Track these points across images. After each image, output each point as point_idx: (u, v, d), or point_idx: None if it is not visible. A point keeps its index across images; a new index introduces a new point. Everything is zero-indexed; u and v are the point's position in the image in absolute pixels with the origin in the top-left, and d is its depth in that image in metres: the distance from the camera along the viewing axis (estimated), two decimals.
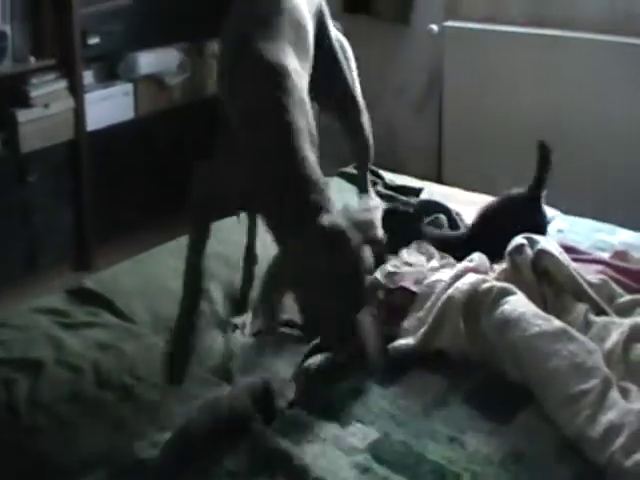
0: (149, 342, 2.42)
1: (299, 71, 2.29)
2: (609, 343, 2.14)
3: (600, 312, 2.26)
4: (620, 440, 1.86)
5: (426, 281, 2.35)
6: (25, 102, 3.90)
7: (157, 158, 4.53)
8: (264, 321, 2.31)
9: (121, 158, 4.37)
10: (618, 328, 2.17)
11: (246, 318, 2.49)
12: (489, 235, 2.61)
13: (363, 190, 2.97)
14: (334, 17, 2.78)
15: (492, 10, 4.27)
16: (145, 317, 2.53)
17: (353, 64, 2.84)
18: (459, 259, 2.50)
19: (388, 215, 2.71)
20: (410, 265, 2.49)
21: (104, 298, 2.61)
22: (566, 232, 2.89)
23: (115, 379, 2.27)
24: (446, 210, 3.03)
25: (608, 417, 1.91)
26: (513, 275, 2.33)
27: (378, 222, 2.32)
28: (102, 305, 2.59)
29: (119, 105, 4.32)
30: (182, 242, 2.42)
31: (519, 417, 2.03)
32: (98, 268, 3.80)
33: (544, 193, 2.64)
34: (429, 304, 2.27)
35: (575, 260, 2.43)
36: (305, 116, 2.18)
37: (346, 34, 2.85)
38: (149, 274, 2.71)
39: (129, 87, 4.37)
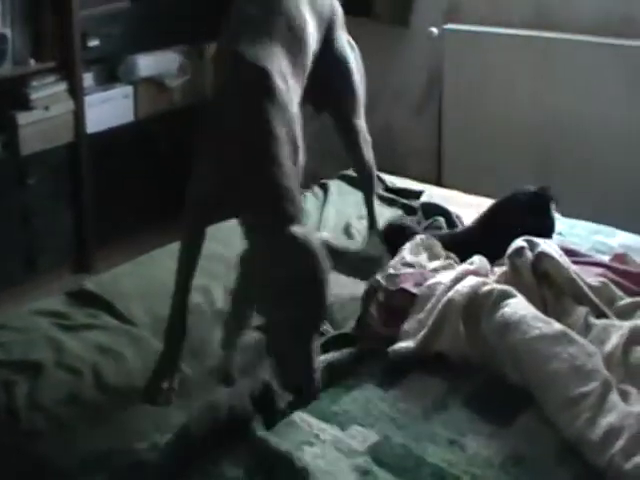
0: (149, 344, 2.42)
1: (286, 73, 2.27)
2: (609, 346, 2.13)
3: (600, 315, 2.26)
4: (620, 443, 1.86)
5: (426, 283, 2.35)
6: (25, 104, 3.90)
7: (157, 160, 4.53)
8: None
9: (121, 160, 4.37)
10: (618, 331, 2.17)
11: None
12: (493, 233, 2.61)
13: (371, 222, 2.92)
14: None
15: (491, 13, 4.27)
16: (145, 319, 2.53)
17: (361, 75, 2.82)
18: (464, 254, 2.51)
19: (394, 230, 2.72)
20: (410, 265, 2.49)
21: (104, 300, 2.61)
22: (565, 234, 2.89)
23: (114, 382, 2.27)
24: (446, 213, 3.04)
25: (608, 420, 1.91)
26: (513, 278, 2.33)
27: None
28: (102, 307, 2.59)
29: (119, 107, 4.32)
30: None
31: (519, 420, 2.02)
32: (98, 270, 3.81)
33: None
34: (429, 306, 2.27)
35: (575, 263, 2.42)
36: (285, 120, 2.17)
37: None
38: (149, 276, 2.71)
39: (129, 89, 4.37)
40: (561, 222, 3.03)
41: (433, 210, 3.11)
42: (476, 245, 2.56)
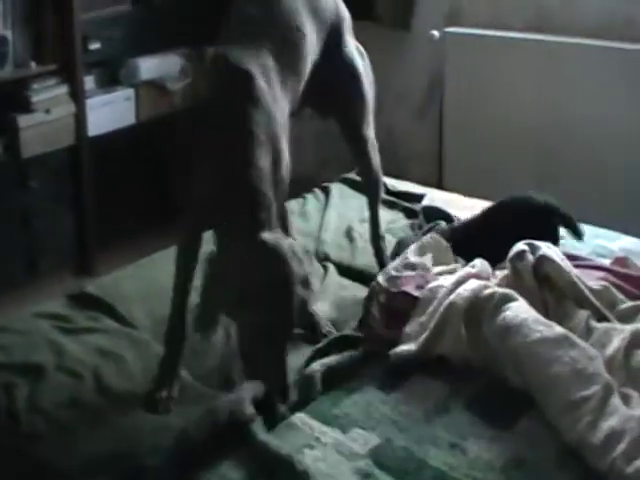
0: (150, 348, 2.42)
1: (273, 77, 2.27)
2: (610, 349, 2.13)
3: (601, 318, 2.26)
4: (621, 446, 1.86)
5: (428, 286, 2.35)
6: (26, 107, 3.91)
7: (158, 163, 4.53)
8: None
9: (122, 163, 4.37)
10: (619, 334, 2.16)
11: None
12: (492, 234, 2.61)
13: (375, 229, 2.91)
14: None
15: (493, 16, 4.27)
16: (146, 322, 2.53)
17: (371, 80, 2.80)
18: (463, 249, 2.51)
19: (402, 246, 2.72)
20: (413, 266, 2.49)
21: (105, 303, 2.61)
22: (566, 238, 2.89)
23: (115, 385, 2.27)
24: (447, 216, 3.04)
25: (609, 423, 1.91)
26: (514, 281, 2.33)
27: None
28: (103, 310, 2.59)
29: (120, 110, 4.32)
30: None
31: (520, 423, 2.02)
32: (99, 273, 3.80)
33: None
34: (431, 309, 2.27)
35: (576, 266, 2.42)
36: (266, 123, 2.17)
37: None
38: (151, 279, 2.71)
39: (130, 92, 4.37)
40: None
41: (434, 213, 3.11)
42: (475, 240, 2.56)
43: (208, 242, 2.24)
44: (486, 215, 2.75)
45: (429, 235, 2.65)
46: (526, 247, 2.37)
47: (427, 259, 2.54)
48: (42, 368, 2.31)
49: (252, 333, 2.02)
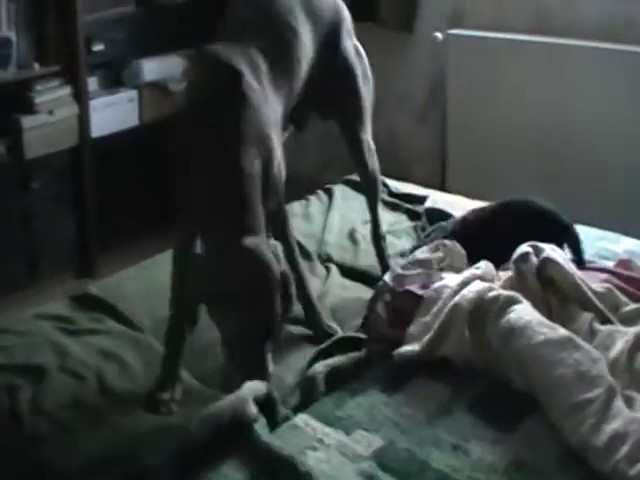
0: (152, 349, 2.42)
1: (263, 77, 2.27)
2: (614, 352, 2.13)
3: (605, 321, 2.26)
4: (624, 449, 1.86)
5: (433, 286, 2.35)
6: (29, 108, 3.91)
7: (161, 165, 4.52)
8: None
9: (125, 165, 4.37)
10: (623, 337, 2.16)
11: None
12: (492, 234, 2.61)
13: (375, 230, 2.90)
14: None
15: (495, 18, 4.27)
16: (148, 323, 2.53)
17: (370, 81, 2.80)
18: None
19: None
20: (419, 263, 2.49)
21: (108, 304, 2.61)
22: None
23: (118, 386, 2.27)
24: (451, 219, 3.03)
25: (612, 426, 1.91)
26: (518, 283, 2.32)
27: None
28: (106, 312, 2.59)
29: (123, 112, 4.33)
30: None
31: (523, 425, 2.02)
32: (101, 275, 3.81)
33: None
34: (435, 309, 2.27)
35: (580, 268, 2.42)
36: (255, 123, 2.17)
37: None
38: (153, 280, 2.71)
39: (133, 94, 4.38)
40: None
41: (437, 215, 3.10)
42: (476, 241, 2.56)
43: None
44: (486, 217, 2.75)
45: (446, 241, 2.64)
46: (530, 249, 2.36)
47: (435, 256, 2.54)
48: (44, 369, 2.31)
49: (233, 333, 2.05)
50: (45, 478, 2.01)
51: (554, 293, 2.33)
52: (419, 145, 4.65)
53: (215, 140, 2.15)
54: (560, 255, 2.37)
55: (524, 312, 2.16)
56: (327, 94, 2.66)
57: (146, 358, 2.39)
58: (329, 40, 2.60)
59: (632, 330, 2.18)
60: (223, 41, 2.32)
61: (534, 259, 2.34)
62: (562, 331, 2.11)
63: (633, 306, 2.32)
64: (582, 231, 2.99)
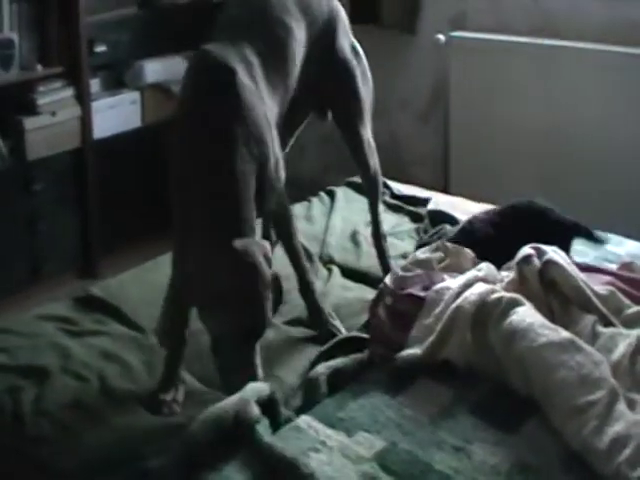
0: (155, 351, 2.42)
1: (257, 75, 2.28)
2: (616, 354, 2.13)
3: (608, 323, 2.26)
4: (627, 452, 1.86)
5: (434, 287, 2.35)
6: (32, 110, 3.92)
7: (163, 167, 4.52)
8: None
9: (127, 166, 4.37)
10: (625, 339, 2.16)
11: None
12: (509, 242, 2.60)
13: (376, 229, 2.90)
14: None
15: (497, 20, 4.27)
16: (151, 325, 2.53)
17: (368, 79, 2.80)
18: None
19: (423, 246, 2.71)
20: (419, 264, 2.48)
21: (111, 306, 2.62)
22: (572, 243, 2.88)
23: (120, 388, 2.27)
24: (453, 220, 3.03)
25: (615, 429, 1.90)
26: (520, 285, 2.32)
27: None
28: (109, 313, 2.59)
29: (126, 113, 4.33)
30: None
31: (525, 428, 2.02)
32: (103, 276, 3.81)
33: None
34: (437, 311, 2.26)
35: (583, 270, 2.42)
36: (248, 121, 2.17)
37: None
38: (155, 282, 2.71)
39: (136, 95, 4.39)
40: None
41: (440, 218, 3.11)
42: (483, 244, 2.56)
43: None
44: (492, 220, 2.74)
45: (448, 243, 2.64)
46: (532, 251, 2.36)
47: (434, 257, 2.53)
48: (47, 370, 2.31)
49: (222, 335, 2.06)
50: (47, 479, 2.01)
51: (556, 295, 2.32)
52: (421, 147, 4.65)
53: (207, 139, 2.15)
54: (562, 257, 2.37)
55: (526, 314, 2.16)
56: (324, 92, 2.66)
57: (148, 359, 2.39)
58: (325, 39, 2.61)
59: (634, 333, 2.18)
60: (217, 40, 2.32)
61: (536, 261, 2.34)
62: (564, 333, 2.11)
63: (635, 309, 2.32)
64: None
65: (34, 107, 3.92)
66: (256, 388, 2.06)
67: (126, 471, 1.93)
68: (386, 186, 3.41)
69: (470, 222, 2.77)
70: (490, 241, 2.63)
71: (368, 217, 2.99)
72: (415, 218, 3.25)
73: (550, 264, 2.32)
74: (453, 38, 4.30)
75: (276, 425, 2.03)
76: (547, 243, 2.42)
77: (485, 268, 2.40)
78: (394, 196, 3.43)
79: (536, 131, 4.11)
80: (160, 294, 2.48)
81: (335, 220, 3.24)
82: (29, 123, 3.89)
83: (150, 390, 2.26)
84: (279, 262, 2.72)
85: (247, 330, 2.06)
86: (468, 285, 2.29)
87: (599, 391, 1.98)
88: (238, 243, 2.06)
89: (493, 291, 2.24)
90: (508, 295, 2.22)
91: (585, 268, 2.49)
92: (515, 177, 4.09)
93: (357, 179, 3.37)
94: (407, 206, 3.34)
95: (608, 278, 2.45)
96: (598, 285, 2.37)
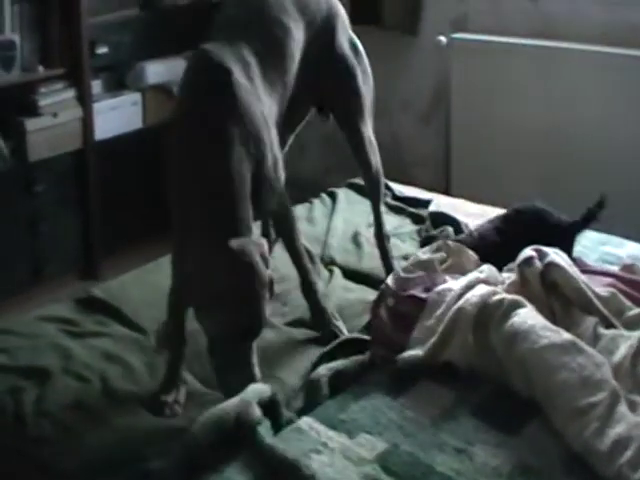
0: (156, 352, 2.42)
1: (254, 73, 2.28)
2: (617, 356, 2.13)
3: (609, 325, 2.26)
4: (628, 453, 1.86)
5: (436, 289, 2.35)
6: (33, 111, 3.92)
7: (164, 168, 4.52)
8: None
9: (129, 168, 4.37)
10: (627, 341, 2.16)
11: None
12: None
13: (378, 228, 2.89)
14: None
15: (498, 22, 4.28)
16: (152, 326, 2.53)
17: (369, 77, 2.80)
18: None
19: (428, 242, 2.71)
20: (421, 265, 2.48)
21: (112, 307, 2.62)
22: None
23: (122, 389, 2.27)
24: (455, 222, 3.03)
25: (616, 430, 1.91)
26: (522, 287, 2.32)
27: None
28: (110, 314, 2.59)
29: (127, 115, 4.34)
30: None
31: (527, 429, 2.02)
32: (105, 277, 3.81)
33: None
34: (439, 313, 2.26)
35: (584, 272, 2.42)
36: (245, 121, 2.17)
37: None
38: (156, 283, 2.71)
39: (137, 97, 4.39)
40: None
41: (442, 219, 3.10)
42: (488, 249, 2.56)
43: None
44: (498, 226, 2.73)
45: (450, 242, 2.63)
46: (534, 253, 2.36)
47: (436, 257, 2.53)
48: (48, 372, 2.32)
49: (219, 335, 2.07)
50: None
51: (558, 297, 2.32)
52: (423, 148, 4.65)
53: (203, 139, 2.15)
54: (564, 259, 2.37)
55: (528, 316, 2.16)
56: (324, 90, 2.66)
57: (149, 361, 2.39)
58: (324, 37, 2.61)
59: (636, 334, 2.18)
60: (215, 40, 2.32)
61: (538, 263, 2.34)
62: (566, 335, 2.11)
63: (637, 310, 2.32)
64: (586, 235, 2.99)
65: (35, 108, 3.92)
66: (257, 389, 2.06)
67: (127, 472, 1.93)
68: (387, 187, 3.41)
69: (475, 231, 2.77)
70: (495, 247, 2.62)
71: (369, 218, 2.99)
72: (416, 220, 3.25)
73: (551, 266, 2.32)
74: (454, 40, 4.31)
75: (277, 427, 2.03)
76: (550, 245, 2.42)
77: (487, 270, 2.40)
78: (395, 197, 3.43)
79: (537, 132, 4.11)
80: (161, 295, 2.48)
81: (336, 221, 3.24)
82: (30, 124, 3.89)
83: (151, 391, 2.26)
84: (280, 261, 2.73)
85: (244, 329, 2.07)
86: (470, 287, 2.29)
87: (600, 393, 1.98)
88: (234, 242, 2.05)
89: (495, 293, 2.24)
90: (510, 297, 2.22)
91: (586, 270, 2.49)
92: (516, 178, 4.09)
93: (358, 180, 3.37)
94: (408, 208, 3.34)
95: (609, 280, 2.45)
96: (599, 287, 2.37)
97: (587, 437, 1.91)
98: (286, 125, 2.54)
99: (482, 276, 2.36)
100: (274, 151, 2.28)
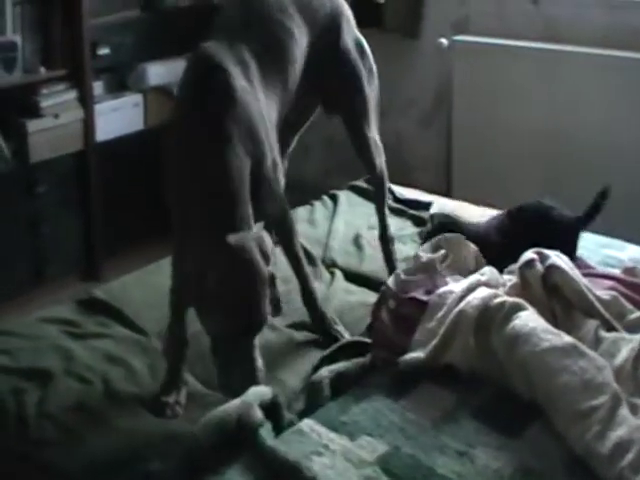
0: (158, 354, 2.42)
1: (253, 74, 2.28)
2: (619, 359, 2.13)
3: (610, 328, 2.25)
4: (629, 456, 1.86)
5: (437, 291, 2.35)
6: (35, 112, 3.93)
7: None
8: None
9: (130, 169, 4.38)
10: (628, 344, 2.16)
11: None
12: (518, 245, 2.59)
13: (383, 230, 2.89)
14: None
15: (500, 25, 4.28)
16: (154, 328, 2.53)
17: (374, 78, 2.80)
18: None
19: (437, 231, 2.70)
20: (423, 267, 2.48)
21: (114, 308, 2.62)
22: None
23: (124, 391, 2.28)
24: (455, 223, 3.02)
25: (617, 433, 1.90)
26: (523, 290, 2.32)
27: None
28: (112, 316, 2.60)
29: (129, 116, 4.34)
30: None
31: (528, 432, 2.02)
32: (106, 279, 3.81)
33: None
34: (440, 315, 2.26)
35: (586, 275, 2.42)
36: (242, 120, 2.17)
37: None
38: (158, 285, 2.70)
39: (139, 98, 4.39)
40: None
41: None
42: (489, 249, 2.56)
43: None
44: (499, 225, 2.73)
45: (448, 234, 2.63)
46: (535, 255, 2.36)
47: (437, 257, 2.53)
48: (50, 373, 2.32)
49: (220, 333, 2.07)
50: None
51: (559, 300, 2.32)
52: (424, 151, 4.65)
53: (202, 138, 2.15)
54: (565, 262, 2.37)
55: (529, 319, 2.16)
56: (329, 89, 2.66)
57: (151, 362, 2.40)
58: (328, 36, 2.61)
59: (637, 338, 2.17)
60: (214, 40, 2.32)
61: (539, 266, 2.34)
62: (567, 338, 2.11)
63: (638, 313, 2.31)
64: (587, 238, 2.99)
65: (37, 109, 3.92)
66: (259, 392, 2.06)
67: (129, 473, 1.94)
68: (389, 190, 3.41)
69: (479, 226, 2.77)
70: (497, 247, 2.62)
71: (371, 221, 2.99)
72: (418, 222, 3.25)
73: (553, 269, 2.32)
74: (456, 42, 4.31)
75: (279, 429, 2.03)
76: (554, 242, 2.42)
77: (488, 272, 2.40)
78: (397, 200, 3.43)
79: (539, 135, 4.11)
80: (163, 297, 2.48)
81: (338, 224, 3.24)
82: (32, 125, 3.90)
83: (153, 392, 2.26)
84: (282, 262, 2.72)
85: (244, 328, 2.07)
86: (471, 289, 2.29)
87: (602, 396, 1.98)
88: (232, 238, 2.05)
89: (496, 295, 2.24)
90: (511, 299, 2.22)
91: (588, 273, 2.49)
92: (517, 181, 4.09)
93: (360, 183, 3.37)
94: (410, 210, 3.34)
95: (611, 283, 2.45)
96: (601, 290, 2.37)
97: (589, 440, 1.91)
98: (290, 126, 2.54)
99: (483, 278, 2.36)
100: (274, 153, 2.28)
